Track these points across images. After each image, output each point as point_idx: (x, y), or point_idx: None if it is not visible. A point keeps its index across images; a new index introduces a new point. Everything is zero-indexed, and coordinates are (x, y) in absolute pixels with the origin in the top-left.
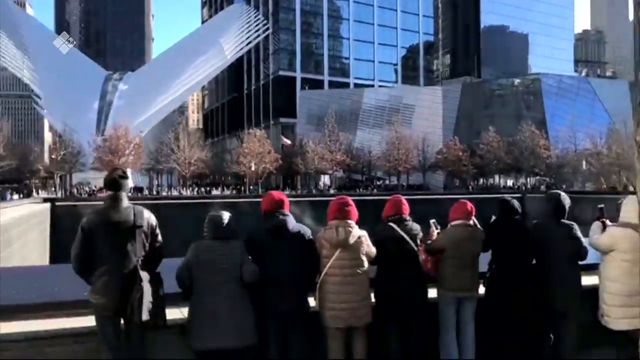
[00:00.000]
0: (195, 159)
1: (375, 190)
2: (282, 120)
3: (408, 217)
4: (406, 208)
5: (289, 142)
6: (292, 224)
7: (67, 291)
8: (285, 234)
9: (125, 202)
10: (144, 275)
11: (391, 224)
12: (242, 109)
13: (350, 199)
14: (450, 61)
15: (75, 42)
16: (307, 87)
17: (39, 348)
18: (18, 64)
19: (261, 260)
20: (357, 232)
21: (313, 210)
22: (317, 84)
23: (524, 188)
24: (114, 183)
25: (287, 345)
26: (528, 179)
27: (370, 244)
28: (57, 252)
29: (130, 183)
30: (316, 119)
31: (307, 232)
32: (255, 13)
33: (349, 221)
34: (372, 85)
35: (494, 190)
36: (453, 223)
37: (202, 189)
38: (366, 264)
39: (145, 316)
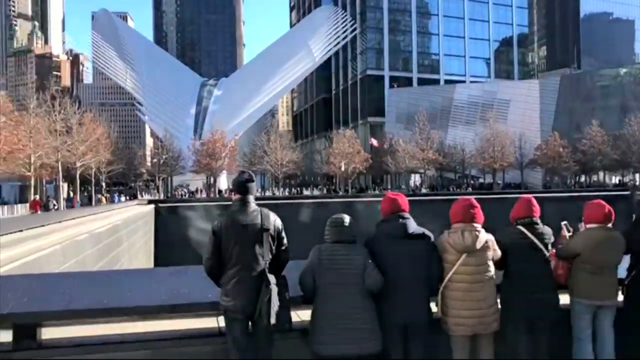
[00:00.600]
0: (287, 161)
1: (469, 189)
2: (371, 119)
3: (539, 220)
4: (537, 210)
5: (376, 143)
6: (413, 226)
7: (194, 293)
8: (407, 238)
9: (253, 205)
10: (272, 278)
11: (520, 227)
12: (330, 110)
13: (475, 200)
14: (547, 53)
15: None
16: (396, 85)
17: (164, 349)
18: (122, 74)
19: (382, 265)
20: (484, 237)
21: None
22: (406, 82)
23: (632, 185)
24: (242, 186)
25: (409, 353)
26: (637, 175)
27: (497, 248)
28: (161, 252)
29: (255, 186)
30: (405, 117)
31: (430, 235)
32: (343, 14)
33: (476, 224)
34: (464, 81)
35: (599, 188)
36: (589, 226)
37: (294, 190)
38: (493, 270)
39: (273, 319)
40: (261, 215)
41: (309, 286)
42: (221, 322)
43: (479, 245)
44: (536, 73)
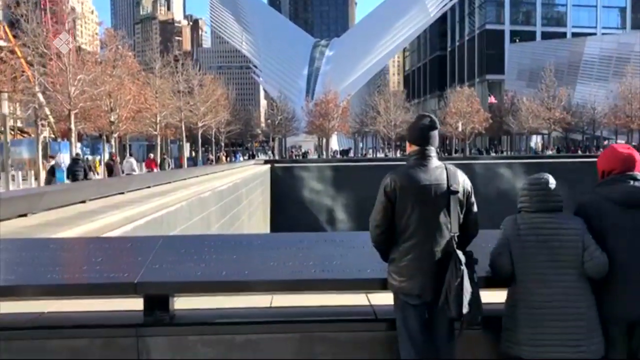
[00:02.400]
0: (400, 121)
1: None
2: (489, 77)
3: None
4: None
5: (493, 99)
6: None
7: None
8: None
9: (436, 160)
10: (461, 256)
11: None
12: (445, 68)
13: None
14: None
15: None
16: (517, 40)
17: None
18: (238, 37)
19: (603, 242)
20: None
21: (513, 171)
22: (528, 36)
23: None
24: (423, 134)
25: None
26: None
27: None
28: (277, 210)
29: (437, 135)
30: (528, 74)
31: None
32: None
33: None
34: (594, 34)
35: None
36: None
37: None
38: None
39: (465, 309)
40: (447, 172)
41: (505, 269)
42: (373, 300)
43: None
44: None
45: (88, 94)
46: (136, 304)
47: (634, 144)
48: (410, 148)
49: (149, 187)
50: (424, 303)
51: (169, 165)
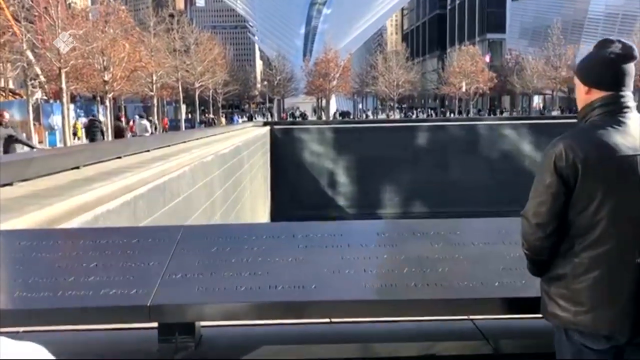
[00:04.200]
0: (403, 81)
1: None
2: (490, 36)
3: None
4: None
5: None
6: None
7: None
8: None
9: (636, 114)
10: None
11: None
12: (444, 27)
13: None
14: None
15: None
16: None
17: None
18: None
19: None
20: None
21: (534, 135)
22: None
23: None
24: (613, 69)
25: None
26: None
27: None
28: (277, 173)
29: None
30: (530, 33)
31: None
32: None
33: None
34: None
35: None
36: None
37: (410, 113)
38: None
39: None
40: None
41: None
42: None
43: None
44: None
45: (79, 51)
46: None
47: (636, 103)
48: (588, 95)
49: (148, 150)
50: (614, 347)
51: (155, 128)
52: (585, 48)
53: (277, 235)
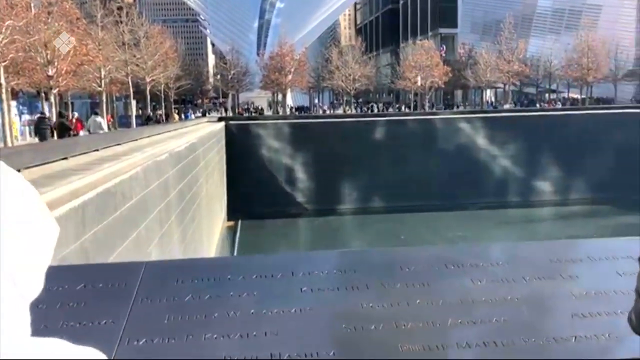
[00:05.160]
0: (359, 75)
1: (559, 105)
2: (442, 30)
3: None
4: None
5: (443, 52)
6: None
7: None
8: None
9: None
10: None
11: None
12: (397, 22)
13: None
14: None
15: None
16: None
17: None
18: None
19: None
20: None
21: (488, 129)
22: None
23: None
24: None
25: None
26: None
27: None
28: (233, 170)
29: None
30: (481, 27)
31: None
32: None
33: None
34: None
35: None
36: None
37: (365, 108)
38: None
39: None
40: None
41: None
42: None
43: None
44: None
45: (20, 44)
46: None
47: (587, 97)
48: None
49: (97, 149)
50: None
51: (100, 127)
52: (535, 42)
53: (271, 271)
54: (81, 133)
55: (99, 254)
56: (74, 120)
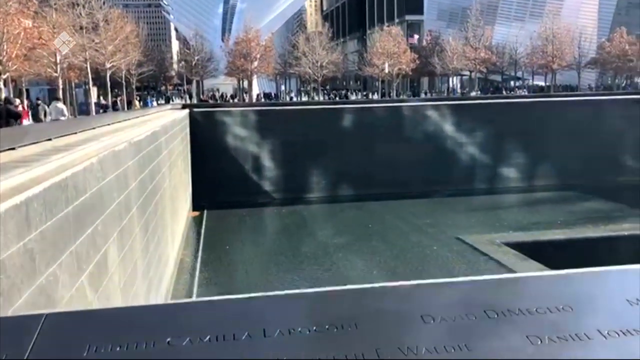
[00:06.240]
0: (327, 62)
1: (525, 92)
2: (409, 17)
3: None
4: None
5: (415, 39)
6: None
7: None
8: None
9: None
10: None
11: None
12: (364, 8)
13: None
14: None
15: None
16: None
17: None
18: None
19: None
20: None
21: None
22: None
23: None
24: None
25: None
26: None
27: None
28: (198, 159)
29: None
30: (448, 14)
31: None
32: None
33: None
34: None
35: None
36: None
37: (332, 95)
38: None
39: None
40: None
41: None
42: None
43: None
44: None
45: None
46: None
47: (553, 84)
48: None
49: (49, 139)
50: None
51: (45, 114)
52: (501, 29)
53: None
54: (25, 122)
55: (46, 254)
56: (27, 107)
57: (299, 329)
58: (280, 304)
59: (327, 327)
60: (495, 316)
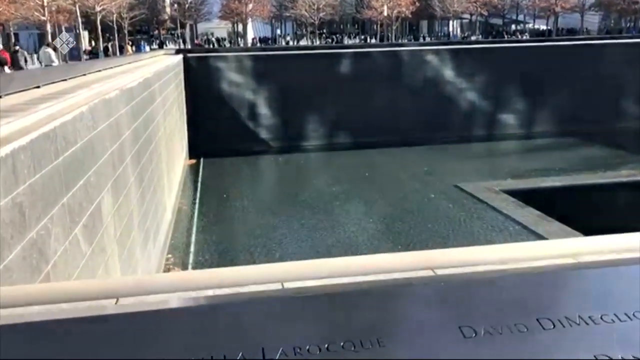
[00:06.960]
0: (324, 4)
1: (527, 36)
2: None
3: None
4: None
5: None
6: None
7: None
8: None
9: None
10: None
11: None
12: None
13: None
14: None
15: None
16: None
17: None
18: None
19: None
20: None
21: (456, 60)
22: None
23: None
24: None
25: None
26: None
27: None
28: (193, 105)
29: None
30: None
31: None
32: None
33: None
34: None
35: None
36: None
37: (330, 39)
38: None
39: None
40: None
41: None
42: None
43: None
44: None
45: None
46: None
47: (553, 28)
48: None
49: (38, 86)
50: None
51: (25, 61)
52: None
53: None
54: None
55: (36, 208)
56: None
57: (307, 347)
58: (281, 307)
59: (342, 344)
60: (552, 327)
